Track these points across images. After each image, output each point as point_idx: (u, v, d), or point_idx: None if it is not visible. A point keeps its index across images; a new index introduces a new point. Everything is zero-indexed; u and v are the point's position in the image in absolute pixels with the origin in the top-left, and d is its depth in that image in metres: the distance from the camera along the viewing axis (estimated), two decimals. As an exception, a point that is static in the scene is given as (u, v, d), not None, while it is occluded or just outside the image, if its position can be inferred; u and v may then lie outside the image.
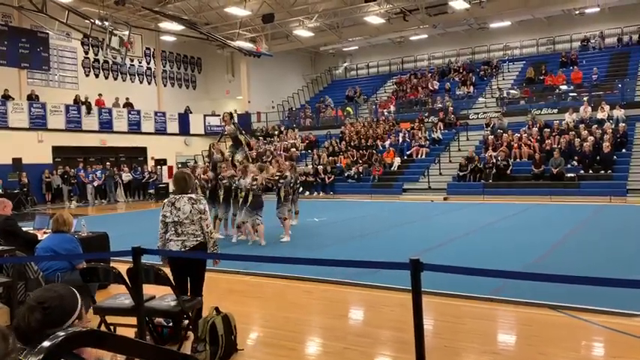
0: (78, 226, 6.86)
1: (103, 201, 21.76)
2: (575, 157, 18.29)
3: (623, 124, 19.06)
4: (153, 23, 24.45)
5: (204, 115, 28.12)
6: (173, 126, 26.68)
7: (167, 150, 25.27)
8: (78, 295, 1.94)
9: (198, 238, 4.88)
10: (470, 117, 24.03)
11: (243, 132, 12.42)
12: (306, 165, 23.08)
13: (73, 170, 21.49)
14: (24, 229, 6.64)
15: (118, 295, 4.83)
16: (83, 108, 22.89)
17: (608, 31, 26.65)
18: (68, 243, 5.46)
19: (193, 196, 5.00)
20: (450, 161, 21.04)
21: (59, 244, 5.39)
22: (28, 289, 5.01)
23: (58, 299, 1.85)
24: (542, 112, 22.13)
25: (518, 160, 19.55)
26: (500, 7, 23.81)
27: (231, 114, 12.35)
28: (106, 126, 23.68)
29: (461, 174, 19.64)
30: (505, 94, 24.70)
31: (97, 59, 25.30)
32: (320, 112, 28.96)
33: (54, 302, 1.84)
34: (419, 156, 22.13)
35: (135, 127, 24.89)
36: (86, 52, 24.97)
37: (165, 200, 5.06)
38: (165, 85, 28.70)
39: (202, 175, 10.98)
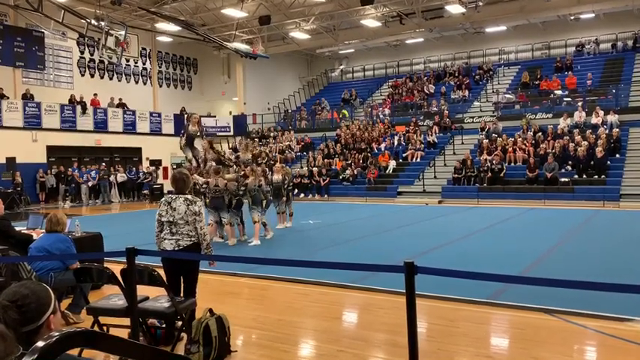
0: (72, 226, 6.83)
1: (97, 201, 21.68)
2: (569, 162, 18.36)
3: (617, 130, 19.18)
4: (149, 24, 24.41)
5: (200, 117, 28.00)
6: (168, 127, 26.62)
7: (162, 151, 25.20)
8: (50, 290, 1.93)
9: (192, 239, 4.89)
10: (465, 121, 24.11)
11: (203, 137, 12.22)
12: (302, 167, 23.07)
13: (69, 169, 21.43)
14: (17, 228, 6.61)
15: (112, 295, 4.81)
16: (78, 108, 22.82)
17: (602, 37, 26.82)
18: (62, 243, 5.45)
19: (189, 197, 5.00)
20: (445, 165, 21.07)
21: (53, 244, 5.38)
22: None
23: (31, 296, 1.84)
24: (536, 117, 22.25)
25: (512, 164, 19.62)
26: (496, 11, 23.92)
27: (199, 118, 12.30)
28: (100, 126, 23.60)
29: (455, 177, 19.70)
30: (500, 99, 24.78)
31: (92, 59, 25.24)
32: (316, 114, 28.97)
33: (27, 299, 1.83)
34: (414, 159, 22.17)
35: (130, 128, 24.82)
36: (82, 52, 24.89)
37: (162, 199, 5.07)
38: (160, 86, 28.64)
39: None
